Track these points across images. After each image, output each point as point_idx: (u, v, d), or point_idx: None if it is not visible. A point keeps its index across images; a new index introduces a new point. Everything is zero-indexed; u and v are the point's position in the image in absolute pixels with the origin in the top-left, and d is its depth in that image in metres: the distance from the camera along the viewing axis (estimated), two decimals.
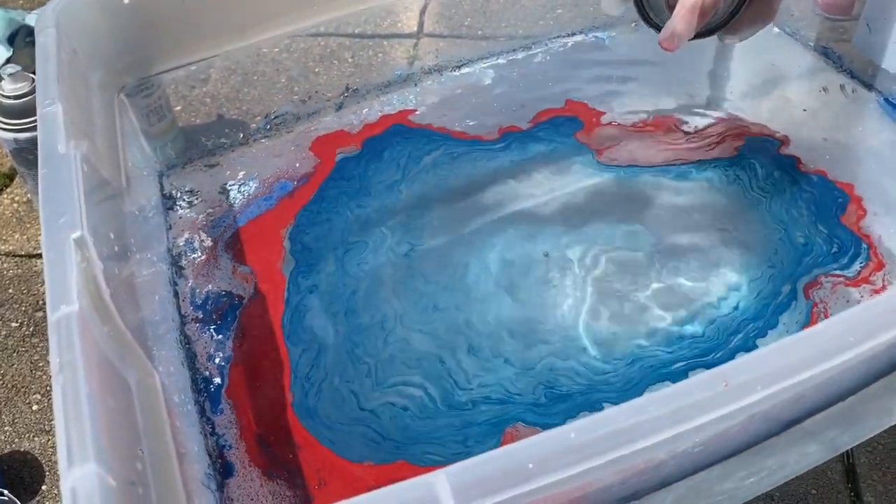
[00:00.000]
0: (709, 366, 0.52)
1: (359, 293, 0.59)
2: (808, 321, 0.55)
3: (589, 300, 0.57)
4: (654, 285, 0.58)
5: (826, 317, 0.55)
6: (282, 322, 0.58)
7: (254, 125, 0.74)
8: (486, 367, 0.54)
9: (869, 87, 0.71)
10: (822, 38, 0.76)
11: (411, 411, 0.52)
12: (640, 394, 0.51)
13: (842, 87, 0.72)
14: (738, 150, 0.68)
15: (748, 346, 0.53)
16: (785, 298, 0.56)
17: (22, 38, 1.10)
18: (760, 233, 0.61)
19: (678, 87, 0.75)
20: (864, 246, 0.59)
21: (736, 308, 0.56)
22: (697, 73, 0.77)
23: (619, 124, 0.70)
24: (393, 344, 0.56)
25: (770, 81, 0.76)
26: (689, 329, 0.55)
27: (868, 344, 0.34)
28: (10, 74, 0.76)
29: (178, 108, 0.85)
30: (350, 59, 0.99)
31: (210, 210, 0.66)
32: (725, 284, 0.58)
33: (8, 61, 1.08)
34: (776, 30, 0.78)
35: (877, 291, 0.56)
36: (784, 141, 0.68)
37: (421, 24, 1.07)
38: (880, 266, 0.58)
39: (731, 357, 0.53)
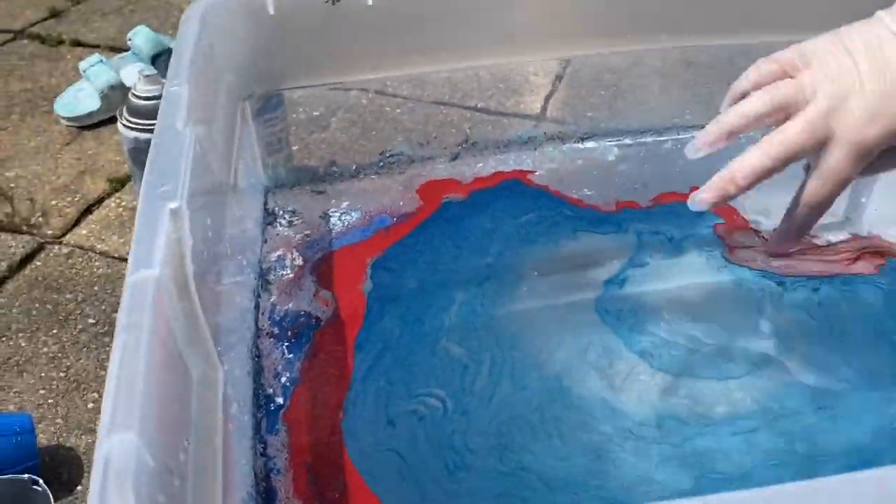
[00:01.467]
0: None
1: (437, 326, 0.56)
2: None
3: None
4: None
5: None
6: (356, 340, 0.54)
7: (368, 160, 0.73)
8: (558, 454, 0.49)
9: None
10: None
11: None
12: None
13: None
14: (879, 269, 0.61)
15: None
16: None
17: (164, 61, 1.15)
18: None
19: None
20: None
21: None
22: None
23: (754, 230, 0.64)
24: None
25: None
26: None
27: None
28: (147, 76, 0.78)
29: (295, 148, 0.85)
30: (468, 131, 0.99)
31: (308, 232, 0.64)
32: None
33: None
34: None
35: None
36: None
37: (544, 109, 1.06)
38: None
39: None
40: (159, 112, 0.47)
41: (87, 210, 0.99)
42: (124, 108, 0.81)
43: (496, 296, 0.60)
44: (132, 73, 1.12)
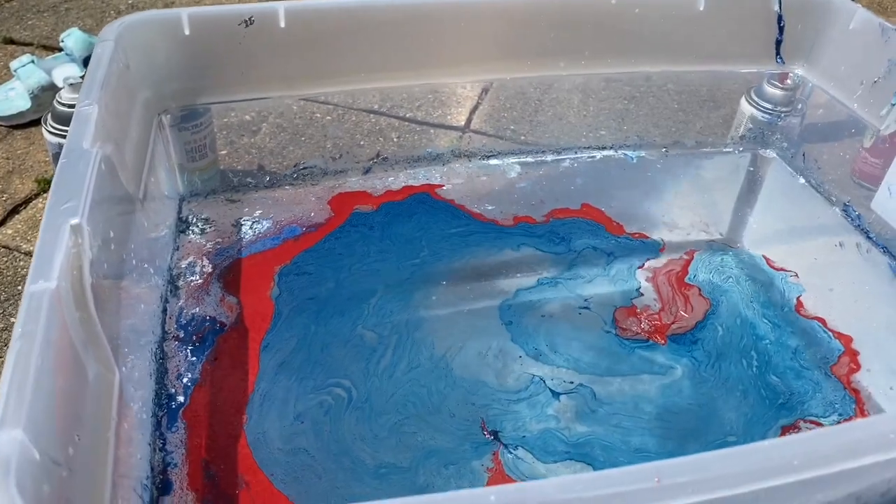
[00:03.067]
0: None
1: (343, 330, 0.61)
2: None
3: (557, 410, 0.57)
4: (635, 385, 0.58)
5: None
6: (262, 342, 0.59)
7: (282, 172, 0.77)
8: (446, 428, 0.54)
9: (883, 249, 0.71)
10: (844, 196, 0.77)
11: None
12: None
13: (857, 245, 0.72)
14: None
15: None
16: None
17: None
18: (746, 370, 0.60)
19: (696, 215, 0.76)
20: (852, 399, 0.58)
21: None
22: (718, 208, 0.78)
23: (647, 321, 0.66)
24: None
25: (789, 228, 0.77)
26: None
27: (813, 472, 0.34)
28: (71, 84, 0.81)
29: (224, 152, 0.89)
30: (395, 139, 1.03)
31: (219, 240, 0.68)
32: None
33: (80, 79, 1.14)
34: (802, 181, 0.80)
35: None
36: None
37: (469, 121, 1.11)
38: None
39: None
40: (69, 131, 0.50)
41: (14, 210, 1.01)
42: (49, 115, 0.83)
43: (408, 299, 0.65)
44: (63, 74, 1.14)
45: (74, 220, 0.43)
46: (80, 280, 0.42)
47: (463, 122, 1.12)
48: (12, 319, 0.86)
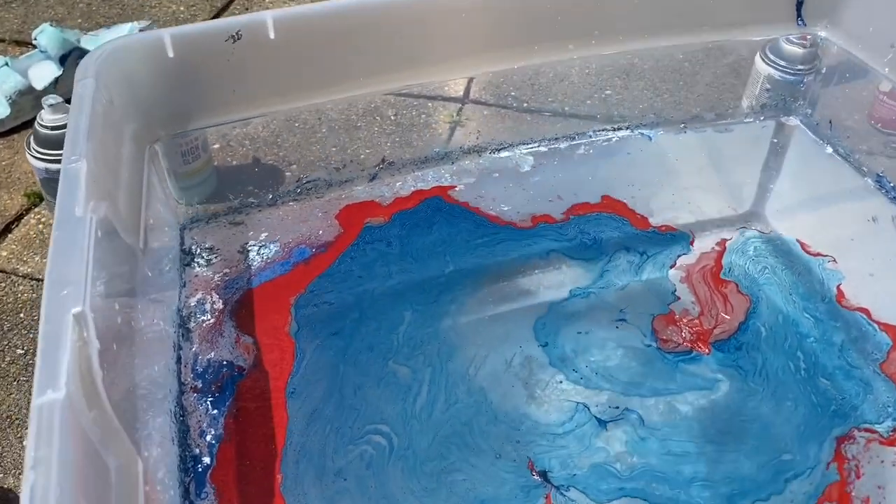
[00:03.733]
0: None
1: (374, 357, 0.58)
2: (839, 478, 0.51)
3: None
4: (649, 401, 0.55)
5: (858, 477, 0.51)
6: (287, 387, 0.56)
7: (285, 188, 0.73)
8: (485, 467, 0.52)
9: None
10: (877, 165, 0.73)
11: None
12: None
13: (893, 218, 0.69)
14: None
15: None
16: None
17: (74, 60, 1.10)
18: (794, 374, 0.58)
19: (721, 197, 0.73)
20: None
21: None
22: (743, 186, 0.74)
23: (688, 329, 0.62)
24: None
25: (819, 203, 0.73)
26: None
27: None
28: (51, 105, 0.76)
29: (217, 146, 0.84)
30: (392, 117, 0.98)
31: (227, 270, 0.65)
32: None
33: (57, 81, 1.08)
34: (829, 150, 0.76)
35: None
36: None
37: (468, 91, 1.06)
38: None
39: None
40: (58, 194, 0.46)
41: (6, 229, 0.97)
42: (32, 137, 0.79)
43: (437, 324, 0.61)
44: (40, 75, 1.08)
45: (76, 309, 0.40)
46: (89, 377, 0.39)
47: (461, 93, 1.07)
48: (18, 351, 0.83)
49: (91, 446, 0.38)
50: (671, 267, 0.66)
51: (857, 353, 0.59)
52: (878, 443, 0.53)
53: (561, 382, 0.57)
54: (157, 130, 0.63)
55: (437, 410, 0.55)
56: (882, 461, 0.52)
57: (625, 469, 0.52)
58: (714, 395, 0.57)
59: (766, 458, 0.53)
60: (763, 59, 0.82)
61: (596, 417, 0.55)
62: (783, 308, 0.62)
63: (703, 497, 0.51)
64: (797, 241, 0.68)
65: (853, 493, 0.50)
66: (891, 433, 0.53)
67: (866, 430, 0.54)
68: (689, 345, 0.60)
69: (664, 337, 0.61)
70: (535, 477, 0.52)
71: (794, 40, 0.79)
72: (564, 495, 0.51)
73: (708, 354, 0.59)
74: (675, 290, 0.64)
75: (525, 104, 0.94)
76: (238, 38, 0.61)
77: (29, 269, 0.92)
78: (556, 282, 0.65)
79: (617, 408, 0.56)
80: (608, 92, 0.92)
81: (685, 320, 0.62)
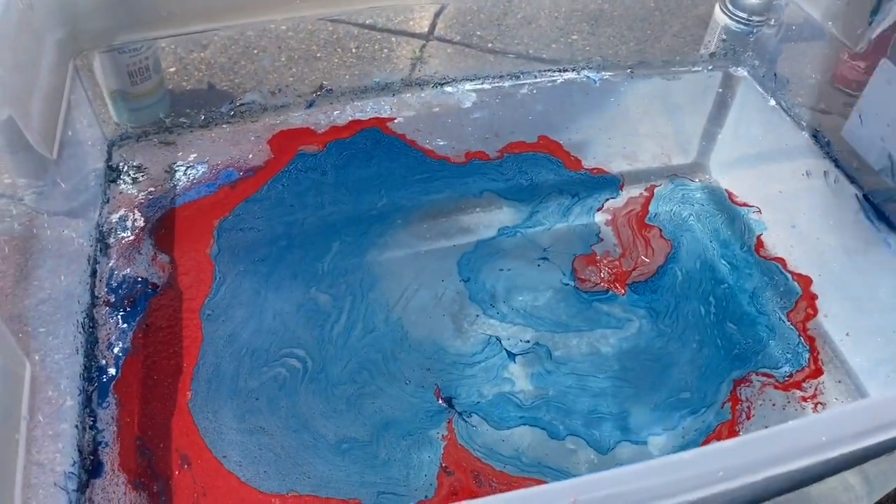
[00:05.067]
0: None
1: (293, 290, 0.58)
2: (731, 418, 0.53)
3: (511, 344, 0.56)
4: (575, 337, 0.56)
5: (748, 418, 0.53)
6: (202, 309, 0.56)
7: (218, 109, 0.72)
8: (396, 387, 0.52)
9: (851, 179, 0.68)
10: (814, 121, 0.73)
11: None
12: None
13: (825, 173, 0.69)
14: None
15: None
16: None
17: None
18: (703, 318, 0.58)
19: (657, 144, 0.73)
20: (806, 348, 0.57)
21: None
22: (682, 135, 0.74)
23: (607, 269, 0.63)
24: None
25: (757, 154, 0.73)
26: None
27: (739, 482, 0.32)
28: None
29: (172, 69, 0.83)
30: (354, 50, 0.97)
31: (152, 188, 0.64)
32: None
33: None
34: (773, 102, 0.76)
35: (805, 399, 0.54)
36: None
37: (433, 27, 1.04)
38: (817, 373, 0.55)
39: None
40: None
41: None
42: None
43: (363, 256, 0.61)
44: None
45: None
46: None
47: (426, 29, 1.06)
48: None
49: None
50: (598, 210, 0.66)
51: (767, 301, 0.59)
52: (772, 387, 0.54)
53: (478, 316, 0.58)
54: (84, 42, 0.61)
55: (354, 338, 0.56)
56: (773, 404, 0.53)
57: (527, 399, 0.53)
58: (624, 334, 0.57)
59: (665, 395, 0.54)
60: (722, 9, 0.82)
61: (506, 350, 0.56)
62: (702, 254, 0.63)
63: (599, 429, 0.52)
64: (726, 190, 0.68)
65: (741, 432, 0.51)
66: (786, 378, 0.55)
67: (764, 374, 0.55)
68: (606, 285, 0.60)
69: (583, 276, 0.61)
70: (441, 402, 0.53)
71: None
72: (466, 421, 0.52)
73: (623, 295, 0.60)
74: (599, 233, 0.64)
75: (489, 44, 0.93)
76: None
77: None
78: (486, 221, 0.65)
79: (528, 342, 0.57)
80: (574, 37, 0.91)
81: (605, 261, 0.62)
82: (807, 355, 0.56)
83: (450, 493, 0.47)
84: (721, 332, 0.57)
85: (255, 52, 0.95)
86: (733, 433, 0.52)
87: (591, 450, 0.51)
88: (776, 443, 0.34)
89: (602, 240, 0.64)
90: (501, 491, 0.47)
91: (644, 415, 0.53)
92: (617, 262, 0.62)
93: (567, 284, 0.60)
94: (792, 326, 0.58)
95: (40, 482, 0.41)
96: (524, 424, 0.52)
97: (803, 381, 0.55)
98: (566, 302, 0.59)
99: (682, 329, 0.57)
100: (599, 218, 0.65)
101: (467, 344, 0.56)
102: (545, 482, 0.47)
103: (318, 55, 0.94)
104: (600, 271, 0.61)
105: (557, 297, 0.59)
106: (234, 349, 0.54)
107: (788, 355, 0.56)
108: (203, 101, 0.78)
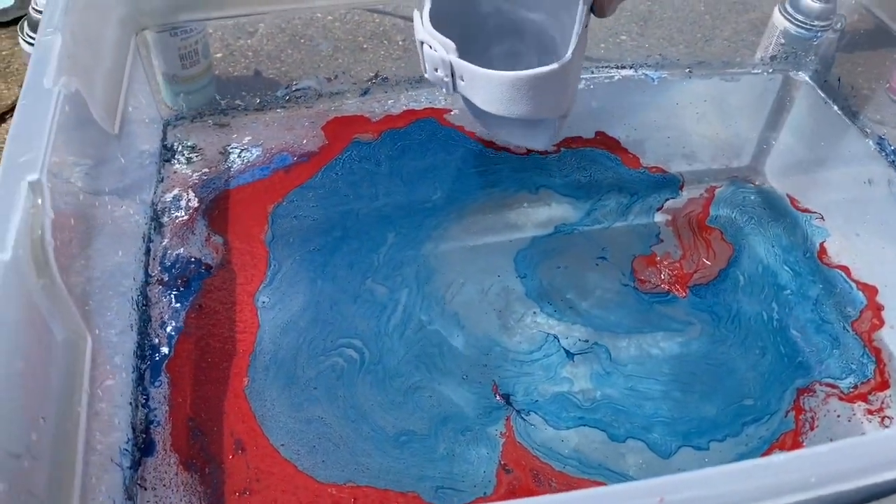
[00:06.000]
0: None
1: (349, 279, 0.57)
2: (794, 427, 0.51)
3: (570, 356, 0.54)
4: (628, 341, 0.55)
5: (812, 428, 0.51)
6: (256, 295, 0.55)
7: (273, 94, 0.71)
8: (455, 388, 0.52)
9: None
10: (880, 127, 0.71)
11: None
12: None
13: (889, 182, 0.67)
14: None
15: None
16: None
17: None
18: (766, 324, 0.57)
19: (717, 146, 0.71)
20: (872, 359, 0.55)
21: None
22: (741, 137, 0.72)
23: (668, 271, 0.61)
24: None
25: (818, 160, 0.72)
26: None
27: (825, 490, 0.31)
28: None
29: (219, 55, 0.83)
30: (401, 42, 0.96)
31: (206, 169, 0.64)
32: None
33: None
34: (835, 108, 0.74)
35: (871, 412, 0.52)
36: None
37: None
38: (884, 386, 0.54)
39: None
40: (29, 64, 0.45)
41: (1, 118, 0.96)
42: (25, 23, 0.77)
43: (419, 248, 0.60)
44: None
45: (33, 177, 0.39)
46: (41, 244, 0.39)
47: None
48: None
49: (37, 313, 0.38)
50: (658, 210, 0.65)
51: (831, 309, 0.58)
52: (836, 398, 0.53)
53: (535, 314, 0.57)
54: (146, 18, 0.61)
55: (410, 330, 0.55)
56: (838, 416, 0.52)
57: (586, 401, 0.52)
58: (685, 338, 0.56)
59: (728, 401, 0.52)
60: (781, 12, 0.80)
61: (564, 349, 0.55)
62: (764, 259, 0.61)
63: (660, 433, 0.50)
64: (787, 195, 0.67)
65: (805, 443, 0.50)
66: (851, 389, 0.53)
67: (828, 384, 0.53)
68: (666, 287, 0.59)
69: (643, 278, 0.60)
70: (499, 399, 0.52)
71: None
72: (524, 419, 0.51)
73: (684, 298, 0.58)
74: (660, 233, 0.63)
75: None
76: None
77: None
78: (544, 217, 0.64)
79: (587, 342, 0.55)
80: (623, 37, 0.90)
81: (665, 263, 0.61)
82: (872, 367, 0.54)
83: (508, 492, 0.46)
84: (784, 339, 0.56)
85: (302, 40, 0.95)
86: (797, 443, 0.50)
87: (651, 453, 0.49)
88: (868, 452, 0.32)
89: (662, 241, 0.62)
90: (561, 491, 0.46)
91: (705, 420, 0.51)
92: (678, 264, 0.61)
93: (627, 285, 0.59)
94: (857, 336, 0.56)
95: (96, 458, 0.41)
96: (583, 425, 0.51)
97: (869, 393, 0.53)
98: (626, 303, 0.58)
99: (744, 335, 0.56)
100: (659, 218, 0.64)
101: (525, 341, 0.55)
102: (605, 484, 0.46)
103: (365, 46, 0.94)
104: (661, 273, 0.60)
105: (617, 297, 0.58)
106: (291, 338, 0.53)
107: (853, 366, 0.54)
108: (250, 87, 0.77)
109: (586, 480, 0.47)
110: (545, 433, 0.50)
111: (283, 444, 0.48)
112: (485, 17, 0.62)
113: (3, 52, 1.05)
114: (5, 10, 1.07)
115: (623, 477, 0.48)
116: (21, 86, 0.99)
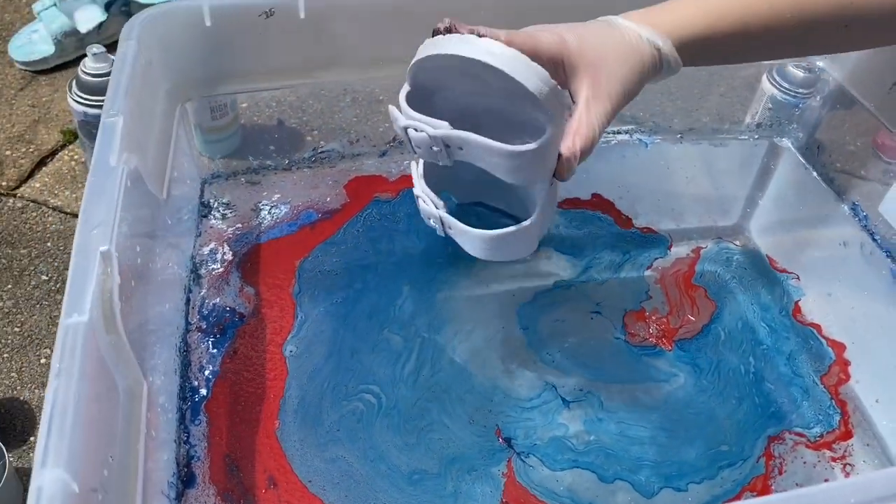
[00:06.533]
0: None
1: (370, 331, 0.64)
2: (765, 472, 0.57)
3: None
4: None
5: (780, 473, 0.57)
6: (285, 345, 0.62)
7: (301, 154, 0.78)
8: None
9: (887, 253, 0.72)
10: (854, 194, 0.77)
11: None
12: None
13: (861, 245, 0.74)
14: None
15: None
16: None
17: (118, 7, 1.16)
18: (743, 377, 0.63)
19: (704, 207, 0.77)
20: (837, 412, 0.61)
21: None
22: (727, 199, 0.79)
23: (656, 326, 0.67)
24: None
25: (797, 222, 0.78)
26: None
27: None
28: (95, 54, 0.82)
29: (244, 105, 0.90)
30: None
31: (239, 224, 0.71)
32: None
33: (101, 26, 1.14)
34: (814, 174, 0.80)
35: (834, 459, 0.58)
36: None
37: None
38: (847, 436, 0.60)
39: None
40: (96, 144, 0.52)
41: (41, 162, 1.03)
42: (74, 82, 0.85)
43: (432, 301, 0.67)
44: (86, 19, 1.14)
45: (104, 248, 0.46)
46: (109, 306, 0.45)
47: None
48: (43, 277, 0.90)
49: (105, 366, 0.44)
50: (647, 268, 0.71)
51: (802, 364, 0.64)
52: (804, 446, 0.59)
53: (535, 363, 0.63)
54: (189, 91, 0.68)
55: (423, 377, 0.61)
56: (804, 462, 0.58)
57: (580, 444, 0.58)
58: (670, 388, 0.62)
59: (707, 447, 0.58)
60: (769, 79, 0.87)
61: (561, 397, 0.61)
62: (743, 316, 0.67)
63: (645, 475, 0.56)
64: (767, 256, 0.73)
65: (773, 487, 0.56)
66: (818, 438, 0.59)
67: (797, 433, 0.59)
68: (654, 340, 0.65)
69: (633, 331, 0.66)
70: (501, 442, 0.58)
71: (799, 64, 0.84)
72: (524, 461, 0.57)
73: (670, 351, 0.65)
74: (649, 290, 0.69)
75: None
76: (271, 15, 0.66)
77: (59, 202, 0.98)
78: (544, 272, 0.70)
79: (581, 390, 0.61)
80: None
81: (654, 318, 0.67)
82: (837, 418, 0.60)
83: None
84: (759, 391, 0.62)
85: (322, 92, 1.02)
86: (766, 487, 0.56)
87: (636, 493, 0.55)
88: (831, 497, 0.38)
89: (651, 297, 0.69)
90: None
91: (686, 464, 0.57)
92: (665, 319, 0.67)
93: (618, 338, 0.65)
94: (825, 390, 0.62)
95: (150, 489, 0.47)
96: (576, 467, 0.57)
97: (833, 442, 0.59)
98: (617, 355, 0.64)
99: (723, 385, 0.62)
100: (649, 275, 0.70)
101: (525, 388, 0.61)
102: None
103: (381, 98, 1.01)
104: (649, 327, 0.66)
105: (609, 349, 0.64)
106: (316, 384, 0.60)
107: (820, 416, 0.60)
108: (271, 136, 0.84)
109: None
110: (542, 473, 0.56)
111: (310, 481, 0.54)
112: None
113: (44, 99, 1.13)
114: (45, 59, 1.15)
115: None
116: (61, 131, 1.06)
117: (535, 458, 0.57)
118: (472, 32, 0.50)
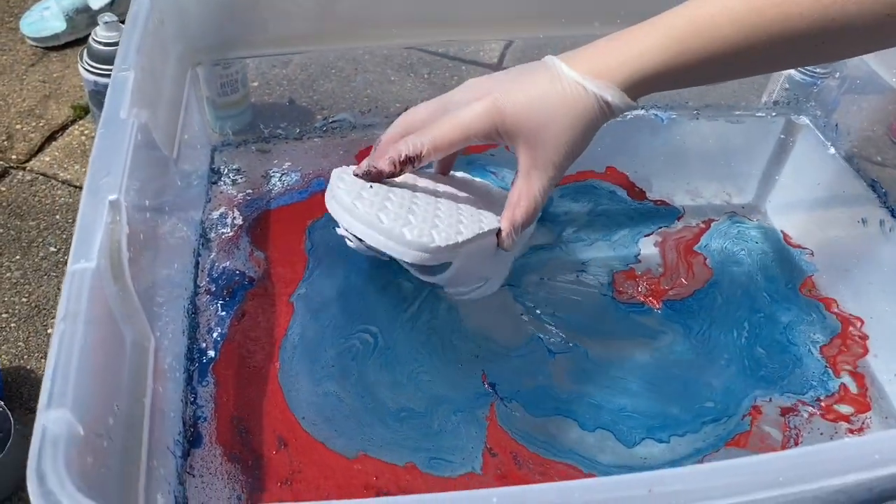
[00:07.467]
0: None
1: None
2: (749, 429, 0.57)
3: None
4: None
5: (797, 444, 0.56)
6: (295, 293, 0.62)
7: (312, 124, 0.78)
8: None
9: None
10: (873, 171, 0.76)
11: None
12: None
13: (881, 222, 0.72)
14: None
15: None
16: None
17: None
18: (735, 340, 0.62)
19: (720, 184, 0.76)
20: (855, 385, 0.60)
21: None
22: (743, 176, 0.78)
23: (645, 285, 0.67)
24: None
25: (814, 199, 0.77)
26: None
27: (797, 488, 0.36)
28: (106, 23, 0.82)
29: (255, 84, 0.89)
30: (426, 76, 1.03)
31: (250, 190, 0.70)
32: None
33: (112, 2, 1.14)
34: (832, 150, 0.79)
35: (851, 431, 0.57)
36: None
37: (502, 58, 1.10)
38: (865, 408, 0.58)
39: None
40: (106, 97, 0.52)
41: (51, 136, 1.03)
42: (85, 51, 0.84)
43: None
44: None
45: (112, 197, 0.45)
46: (118, 255, 0.45)
47: (496, 59, 1.11)
48: (51, 248, 0.90)
49: (112, 316, 0.44)
50: (647, 235, 0.70)
51: (800, 334, 0.63)
52: (819, 416, 0.58)
53: (522, 315, 0.63)
54: (201, 55, 0.68)
55: (421, 321, 0.62)
56: (821, 433, 0.57)
57: (563, 393, 0.58)
58: (657, 345, 0.61)
59: (691, 402, 0.58)
60: None
61: (547, 348, 0.61)
62: (745, 285, 0.66)
63: (627, 425, 0.56)
64: (781, 231, 0.72)
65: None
66: (816, 402, 0.58)
67: (805, 402, 0.58)
68: (642, 298, 0.65)
69: (621, 289, 0.66)
70: (486, 387, 0.58)
71: None
72: (506, 406, 0.57)
73: (658, 310, 0.64)
74: (638, 255, 0.69)
75: None
76: None
77: (68, 176, 0.98)
78: (543, 232, 0.70)
79: (568, 343, 0.61)
80: None
81: (645, 277, 0.66)
82: (834, 384, 0.59)
83: (497, 476, 0.52)
84: (749, 354, 0.61)
85: (333, 71, 1.01)
86: (745, 442, 0.56)
87: (617, 442, 0.55)
88: (834, 456, 0.37)
89: (640, 261, 0.68)
90: (538, 472, 0.52)
91: (669, 417, 0.56)
92: (656, 280, 0.66)
93: (605, 295, 0.65)
94: (821, 358, 0.61)
95: (155, 444, 0.46)
96: (558, 414, 0.56)
97: (851, 415, 0.58)
98: (604, 311, 0.64)
99: (712, 346, 0.61)
100: (648, 241, 0.70)
101: (512, 338, 0.61)
102: (576, 467, 0.53)
103: (392, 78, 1.00)
104: (638, 286, 0.66)
105: (596, 306, 0.64)
106: (319, 323, 0.60)
107: (814, 382, 0.59)
108: (285, 114, 0.84)
109: (558, 462, 0.53)
110: (524, 420, 0.56)
111: (303, 417, 0.55)
112: None
113: (55, 75, 1.12)
114: (56, 36, 1.15)
115: (591, 462, 0.54)
116: (72, 106, 1.06)
117: (516, 404, 0.57)
118: (392, 165, 0.52)
